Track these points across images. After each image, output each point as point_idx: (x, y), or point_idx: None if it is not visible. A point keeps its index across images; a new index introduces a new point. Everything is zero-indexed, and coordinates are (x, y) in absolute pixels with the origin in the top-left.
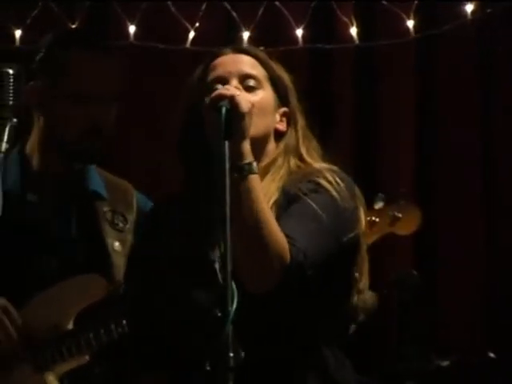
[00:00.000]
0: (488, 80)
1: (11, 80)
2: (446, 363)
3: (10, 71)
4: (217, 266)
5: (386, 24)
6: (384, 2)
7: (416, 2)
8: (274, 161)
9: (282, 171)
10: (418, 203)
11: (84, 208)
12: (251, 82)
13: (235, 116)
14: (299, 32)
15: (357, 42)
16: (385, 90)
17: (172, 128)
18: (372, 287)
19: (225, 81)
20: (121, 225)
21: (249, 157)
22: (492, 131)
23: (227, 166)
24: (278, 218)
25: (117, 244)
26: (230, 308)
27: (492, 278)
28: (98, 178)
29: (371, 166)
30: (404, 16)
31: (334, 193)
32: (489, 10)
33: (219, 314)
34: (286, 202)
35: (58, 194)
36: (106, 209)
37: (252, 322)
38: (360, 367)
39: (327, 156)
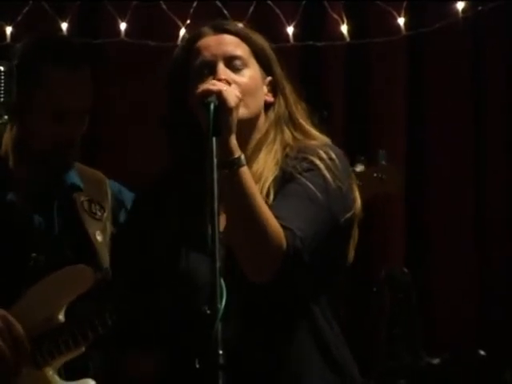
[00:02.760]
0: (478, 77)
1: (2, 77)
2: (436, 361)
3: (1, 68)
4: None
5: (376, 22)
6: (375, 1)
7: None
8: (266, 134)
9: (276, 145)
10: (410, 200)
11: (64, 201)
12: (237, 64)
13: (223, 111)
14: (290, 30)
15: (348, 39)
16: (376, 88)
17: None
18: (362, 284)
19: (211, 65)
20: (99, 214)
21: (237, 151)
22: (482, 127)
23: (215, 161)
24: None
25: (98, 233)
26: (219, 305)
27: (483, 276)
28: (73, 170)
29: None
30: (395, 14)
31: (329, 172)
32: (480, 8)
33: (208, 312)
34: (284, 181)
35: (37, 191)
36: (83, 199)
37: (250, 304)
38: None
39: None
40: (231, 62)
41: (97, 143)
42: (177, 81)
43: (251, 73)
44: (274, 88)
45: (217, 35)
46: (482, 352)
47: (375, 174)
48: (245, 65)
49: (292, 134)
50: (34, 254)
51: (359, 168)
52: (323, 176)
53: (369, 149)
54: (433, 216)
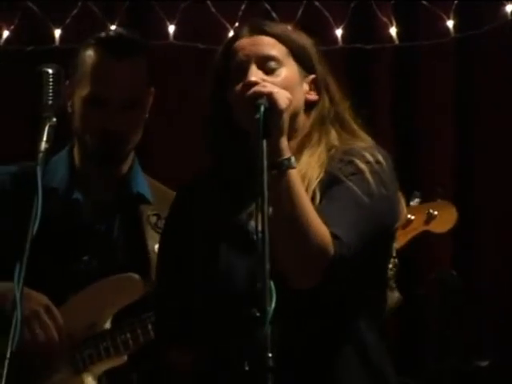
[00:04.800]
0: None
1: (51, 80)
2: (485, 364)
3: (50, 71)
4: (255, 237)
5: (425, 24)
6: (424, 2)
7: (456, 1)
8: (308, 135)
9: (321, 147)
10: (456, 200)
11: (128, 209)
12: (271, 64)
13: (274, 114)
14: (339, 32)
15: (396, 42)
16: (424, 91)
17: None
18: (410, 287)
19: (245, 66)
20: None
21: (287, 152)
22: None
23: (265, 164)
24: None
25: (157, 247)
26: (268, 308)
27: None
28: (143, 182)
29: (410, 166)
30: (444, 16)
31: (375, 176)
32: None
33: (257, 314)
34: (329, 184)
35: (102, 194)
36: (150, 212)
37: (293, 309)
38: (399, 366)
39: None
40: (265, 63)
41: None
42: (216, 82)
43: (286, 73)
44: (318, 86)
45: (252, 36)
46: None
47: (427, 211)
48: (280, 65)
49: (339, 133)
50: (85, 257)
51: (414, 203)
52: (368, 180)
53: (415, 152)
54: (482, 218)
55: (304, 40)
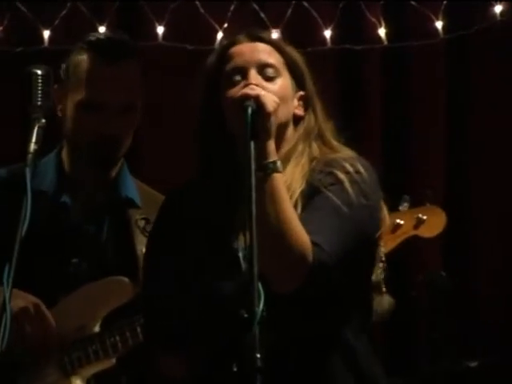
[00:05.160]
0: None
1: (40, 81)
2: (474, 364)
3: (39, 72)
4: (240, 254)
5: (414, 25)
6: (413, 3)
7: (445, 2)
8: (294, 147)
9: (304, 158)
10: (448, 202)
11: (116, 213)
12: (269, 72)
13: (261, 116)
14: (327, 33)
15: (385, 42)
16: (414, 91)
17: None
18: (400, 288)
19: (243, 71)
20: None
21: (273, 155)
22: None
23: (253, 166)
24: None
25: None
26: (256, 309)
27: None
28: (132, 186)
29: (400, 167)
30: (433, 17)
31: (355, 186)
32: None
33: (246, 315)
34: (310, 195)
35: (91, 198)
36: (138, 216)
37: (277, 316)
38: (389, 368)
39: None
40: (263, 70)
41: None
42: (209, 86)
43: (282, 82)
44: (306, 103)
45: (251, 42)
46: None
47: (416, 215)
48: (277, 74)
49: (320, 148)
50: (75, 260)
51: (403, 207)
52: (347, 190)
53: (405, 153)
54: (472, 219)
55: (296, 55)
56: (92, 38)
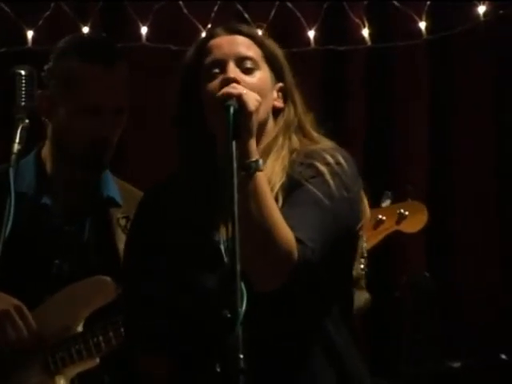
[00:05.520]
0: (500, 81)
1: (23, 81)
2: (457, 365)
3: (22, 72)
4: (222, 247)
5: (398, 25)
6: (396, 4)
7: (428, 3)
8: (275, 139)
9: (284, 151)
10: (430, 200)
11: (98, 213)
12: (248, 64)
13: (243, 115)
14: (311, 33)
15: (369, 43)
16: (397, 92)
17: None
18: (384, 289)
19: (222, 64)
20: None
21: (255, 154)
22: (506, 132)
23: (235, 165)
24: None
25: None
26: (239, 309)
27: (505, 279)
28: (113, 185)
29: (384, 166)
30: (416, 17)
31: (336, 178)
32: (501, 12)
33: (228, 315)
34: (291, 188)
35: (72, 199)
36: (120, 215)
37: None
38: (373, 368)
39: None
40: (242, 63)
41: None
42: (188, 80)
43: (261, 75)
44: (285, 95)
45: (229, 35)
46: (504, 356)
47: (398, 211)
48: (255, 66)
49: (300, 140)
50: (56, 261)
51: (385, 203)
52: (329, 183)
53: (388, 153)
54: (455, 220)
55: (275, 47)
56: (78, 42)
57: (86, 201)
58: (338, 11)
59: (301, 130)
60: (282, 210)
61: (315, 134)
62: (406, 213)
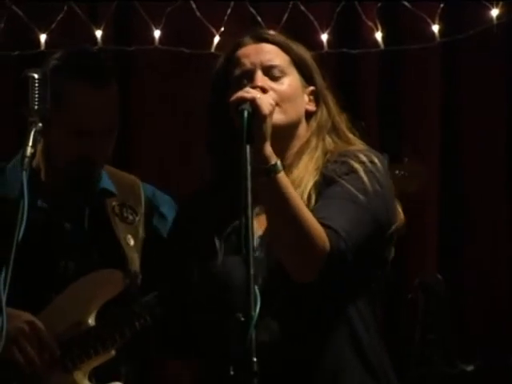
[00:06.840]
0: None
1: (36, 85)
2: (470, 368)
3: (36, 76)
4: (257, 253)
5: (411, 28)
6: (409, 7)
7: (441, 6)
8: (308, 142)
9: (318, 152)
10: (443, 203)
11: (95, 207)
12: (276, 72)
13: (257, 119)
14: (324, 37)
15: (382, 46)
16: (410, 95)
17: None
18: (397, 291)
19: (250, 74)
20: (130, 217)
21: (273, 158)
22: None
23: (249, 169)
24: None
25: (129, 237)
26: (253, 312)
27: None
28: (105, 176)
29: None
30: (429, 20)
31: (369, 175)
32: None
33: (242, 319)
34: (325, 185)
35: (68, 199)
36: (114, 203)
37: (291, 304)
38: None
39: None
40: (270, 71)
41: (129, 151)
42: (218, 90)
43: (290, 81)
44: (317, 97)
45: (256, 44)
46: None
47: (397, 172)
48: (283, 73)
49: (334, 142)
50: (62, 262)
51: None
52: (362, 178)
53: (400, 155)
54: (466, 221)
55: (303, 51)
56: (69, 61)
57: (82, 197)
58: (351, 14)
59: (335, 131)
60: (316, 205)
61: (350, 136)
62: (406, 174)
